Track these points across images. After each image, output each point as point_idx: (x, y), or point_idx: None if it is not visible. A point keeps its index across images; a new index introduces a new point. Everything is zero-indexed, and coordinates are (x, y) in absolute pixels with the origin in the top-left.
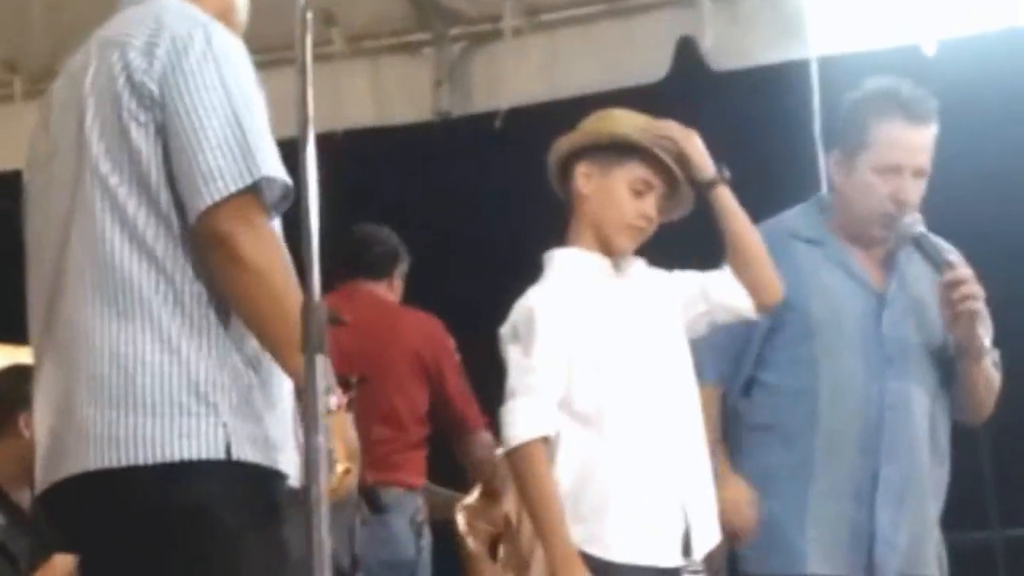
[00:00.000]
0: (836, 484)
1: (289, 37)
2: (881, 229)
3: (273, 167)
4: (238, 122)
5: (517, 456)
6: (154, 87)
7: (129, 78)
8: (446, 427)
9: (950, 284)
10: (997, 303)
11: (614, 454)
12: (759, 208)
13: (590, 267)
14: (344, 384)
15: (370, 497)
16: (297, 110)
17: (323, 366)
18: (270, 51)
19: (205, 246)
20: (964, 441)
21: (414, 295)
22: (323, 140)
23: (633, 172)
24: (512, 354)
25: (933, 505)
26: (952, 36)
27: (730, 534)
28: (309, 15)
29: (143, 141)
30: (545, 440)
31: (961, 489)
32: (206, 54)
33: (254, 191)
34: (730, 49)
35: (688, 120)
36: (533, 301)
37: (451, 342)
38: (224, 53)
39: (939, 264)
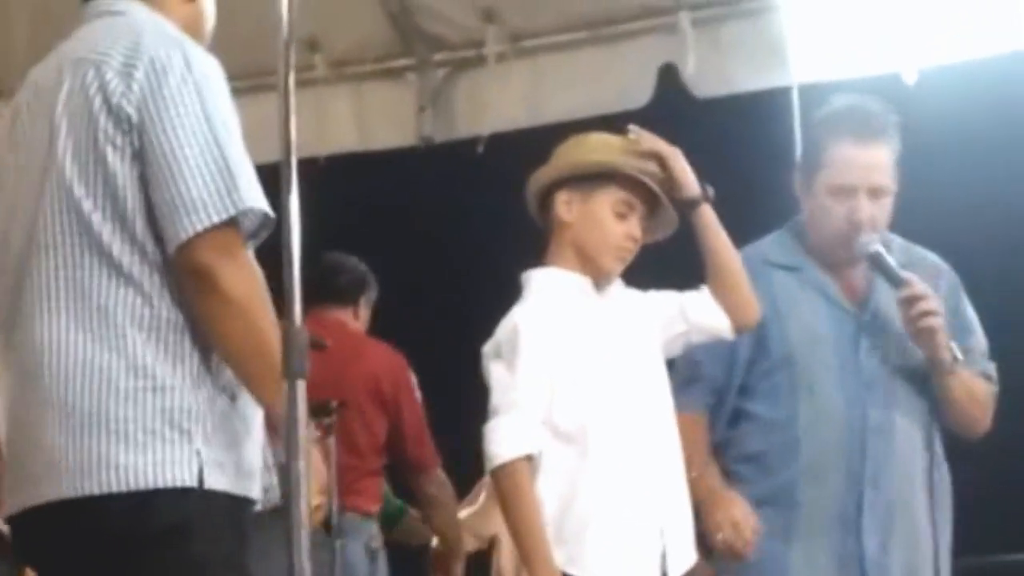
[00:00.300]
0: (821, 512)
1: (271, 62)
2: (841, 250)
3: (255, 198)
4: (220, 151)
5: (502, 474)
6: (132, 111)
7: (106, 100)
8: (399, 462)
9: (907, 301)
10: (987, 327)
11: (595, 474)
12: (740, 233)
13: (571, 287)
14: (324, 409)
15: (326, 523)
16: (280, 135)
17: (303, 392)
18: (252, 76)
19: (185, 276)
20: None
21: (395, 318)
22: (305, 165)
23: (615, 195)
24: (495, 372)
25: (930, 530)
26: (933, 64)
27: (727, 552)
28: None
29: (119, 165)
30: (529, 458)
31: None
32: (185, 78)
33: (235, 222)
34: (712, 76)
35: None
36: (517, 319)
37: (412, 378)
38: (203, 76)
39: (896, 282)
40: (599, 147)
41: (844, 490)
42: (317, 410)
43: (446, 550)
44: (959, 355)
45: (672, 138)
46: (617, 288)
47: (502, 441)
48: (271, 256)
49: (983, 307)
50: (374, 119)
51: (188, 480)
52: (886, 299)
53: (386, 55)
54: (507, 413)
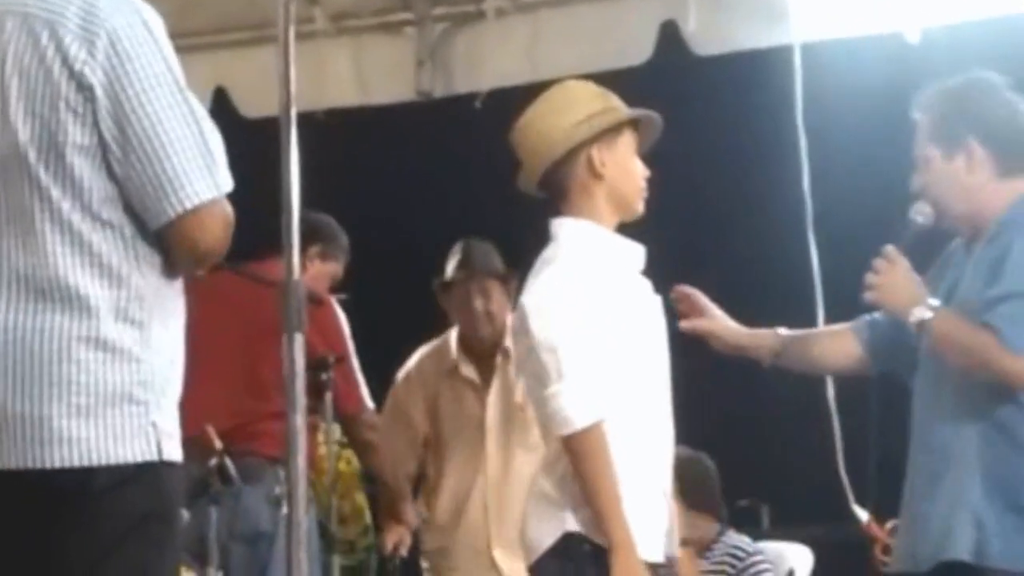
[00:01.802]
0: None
1: (270, 15)
2: None
3: (227, 179)
4: (198, 125)
5: (580, 440)
6: (95, 81)
7: (66, 65)
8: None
9: None
10: None
11: (633, 447)
12: (740, 193)
13: (612, 249)
14: (323, 364)
15: (221, 471)
16: (279, 89)
17: (302, 344)
18: (251, 28)
19: (172, 247)
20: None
21: (395, 275)
22: (304, 119)
23: (630, 140)
24: (548, 334)
25: (971, 485)
26: (936, 24)
27: None
28: None
29: (78, 134)
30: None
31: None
32: (150, 46)
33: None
34: (713, 34)
35: (670, 104)
36: (570, 280)
37: (336, 322)
38: (163, 40)
39: None
40: (596, 98)
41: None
42: (315, 365)
43: (390, 494)
44: (914, 319)
45: (672, 95)
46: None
47: (574, 406)
48: (270, 210)
49: None
50: (373, 73)
51: (147, 453)
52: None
53: (385, 9)
54: (573, 378)
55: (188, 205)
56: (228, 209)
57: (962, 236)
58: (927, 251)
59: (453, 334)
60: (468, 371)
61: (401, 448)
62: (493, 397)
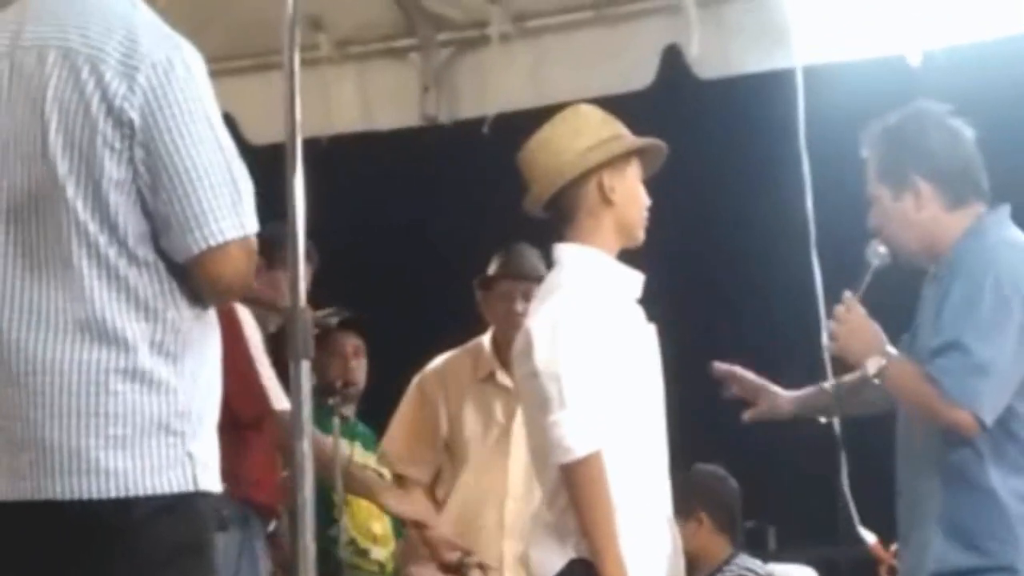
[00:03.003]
0: None
1: (275, 42)
2: None
3: (254, 220)
4: (228, 163)
5: (577, 470)
6: (135, 116)
7: (105, 100)
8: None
9: None
10: None
11: (631, 474)
12: (742, 214)
13: (624, 283)
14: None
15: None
16: (285, 116)
17: (308, 371)
18: (256, 56)
19: (198, 282)
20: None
21: (401, 299)
22: (309, 145)
23: (637, 170)
24: (550, 361)
25: (933, 538)
26: (937, 46)
27: None
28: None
29: (115, 169)
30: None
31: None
32: (188, 83)
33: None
34: (716, 57)
35: (674, 127)
36: (567, 309)
37: (240, 327)
38: (202, 78)
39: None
40: (607, 124)
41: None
42: (323, 390)
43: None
44: (869, 369)
45: (676, 119)
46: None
47: (574, 435)
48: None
49: None
50: (378, 99)
51: (184, 485)
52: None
53: (390, 35)
54: (575, 406)
55: (212, 242)
56: (253, 246)
57: (926, 268)
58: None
59: (486, 339)
60: (503, 377)
61: (423, 438)
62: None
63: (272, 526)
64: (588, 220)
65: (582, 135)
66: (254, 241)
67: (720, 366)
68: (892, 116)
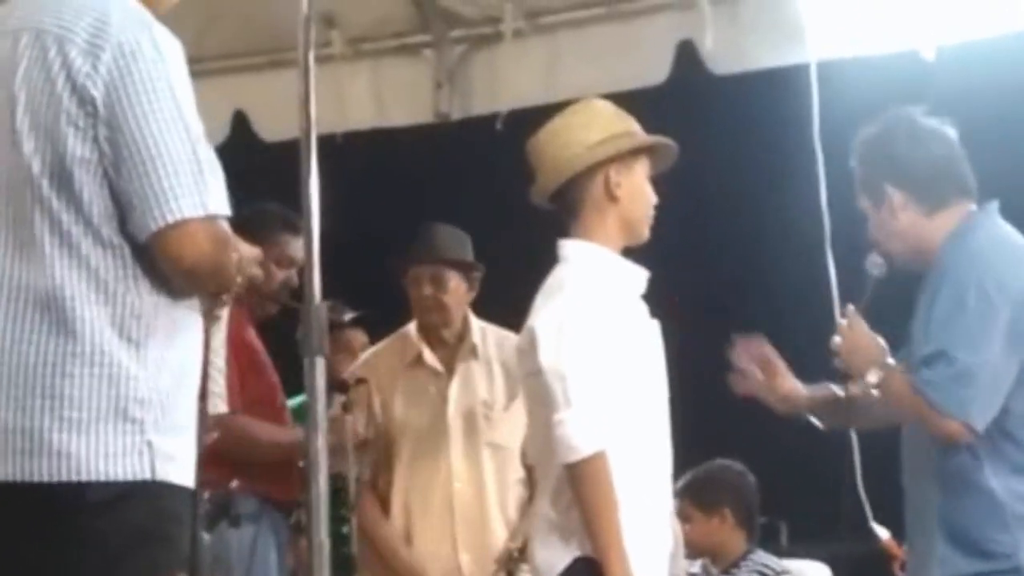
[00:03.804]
0: None
1: (288, 39)
2: None
3: (218, 203)
4: (192, 145)
5: (583, 469)
6: (97, 94)
7: (70, 79)
8: None
9: None
10: None
11: (634, 472)
12: (757, 211)
13: (617, 272)
14: (342, 386)
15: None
16: (300, 113)
17: (323, 368)
18: (269, 52)
19: (159, 261)
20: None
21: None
22: (323, 142)
23: (645, 166)
24: (554, 360)
25: (934, 545)
26: (952, 41)
27: None
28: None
29: (78, 148)
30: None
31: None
32: (156, 64)
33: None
34: (730, 53)
35: (688, 122)
36: (572, 307)
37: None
38: (172, 61)
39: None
40: (617, 120)
41: None
42: (335, 387)
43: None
44: (870, 381)
45: (689, 114)
46: None
47: (580, 435)
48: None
49: None
50: (391, 96)
51: (139, 472)
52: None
53: (403, 31)
54: (580, 405)
55: (170, 219)
56: (219, 229)
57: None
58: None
59: (412, 326)
60: (431, 359)
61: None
62: (455, 389)
63: (293, 518)
64: (592, 215)
65: (592, 129)
66: (221, 223)
67: (749, 345)
68: (869, 126)
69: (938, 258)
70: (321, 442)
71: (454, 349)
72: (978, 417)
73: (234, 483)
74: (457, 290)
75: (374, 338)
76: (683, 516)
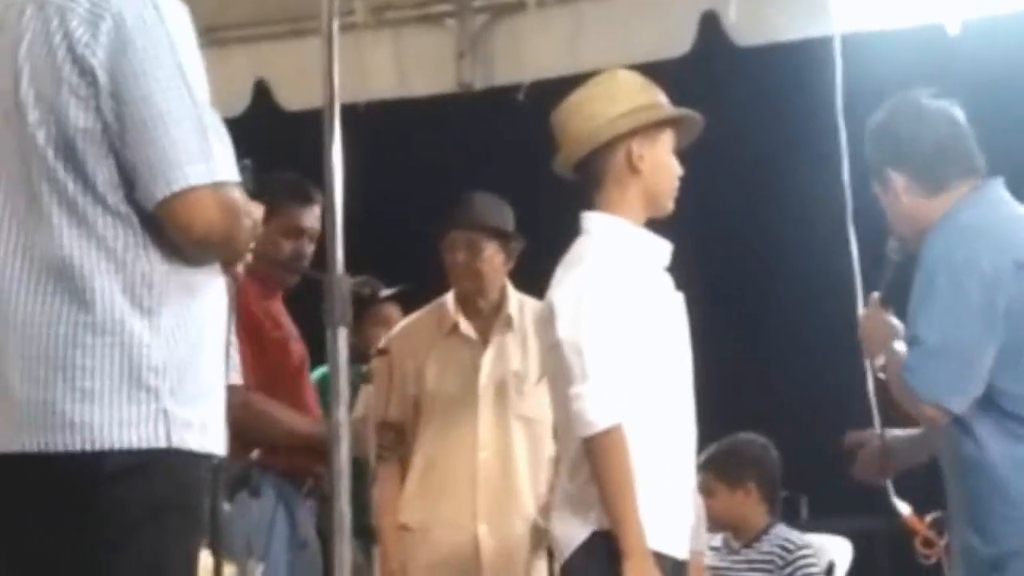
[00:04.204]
0: None
1: (309, 7)
2: None
3: (227, 169)
4: (197, 110)
5: (600, 442)
6: (96, 63)
7: (71, 49)
8: None
9: None
10: None
11: (656, 445)
12: (779, 184)
13: (641, 245)
14: (367, 357)
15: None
16: (323, 83)
17: (346, 339)
18: (292, 21)
19: (169, 229)
20: None
21: (436, 268)
22: (345, 111)
23: (670, 139)
24: (573, 333)
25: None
26: (976, 16)
27: None
28: None
29: (81, 118)
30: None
31: None
32: (157, 30)
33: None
34: (754, 25)
35: (711, 94)
36: (593, 279)
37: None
38: (175, 27)
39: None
40: (643, 91)
41: None
42: (356, 358)
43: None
44: (877, 365)
45: (712, 86)
46: None
47: (597, 409)
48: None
49: None
50: (414, 65)
51: (155, 440)
52: None
53: (425, 1)
54: (597, 379)
55: (176, 188)
56: (229, 196)
57: None
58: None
59: (449, 296)
60: (467, 328)
61: (388, 397)
62: (488, 359)
63: (306, 488)
64: (615, 187)
65: (617, 101)
66: (230, 190)
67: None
68: (877, 112)
69: (925, 245)
70: (343, 414)
71: (490, 319)
72: (950, 398)
73: (255, 453)
74: (493, 259)
75: (405, 311)
76: (706, 490)
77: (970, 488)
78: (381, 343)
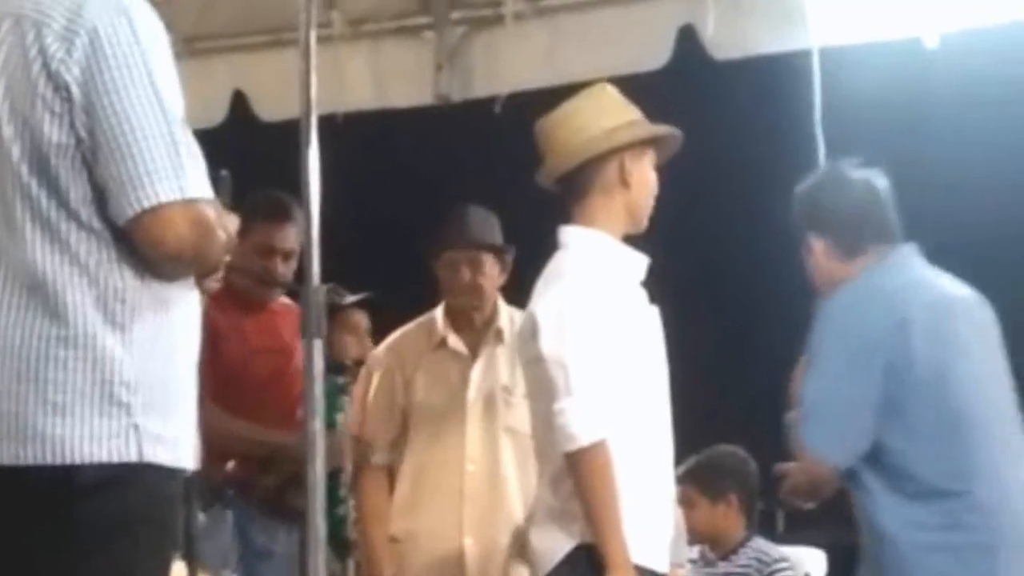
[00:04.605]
0: None
1: (288, 18)
2: None
3: (198, 186)
4: (169, 127)
5: (583, 458)
6: (71, 79)
7: (45, 65)
8: None
9: None
10: (1007, 291)
11: (636, 459)
12: (757, 198)
13: (619, 260)
14: (338, 368)
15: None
16: (300, 94)
17: (321, 350)
18: (270, 32)
19: (139, 247)
20: None
21: (414, 279)
22: (323, 122)
23: (652, 157)
24: (556, 348)
25: None
26: (954, 29)
27: None
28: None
29: (55, 133)
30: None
31: None
32: (132, 48)
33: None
34: (731, 38)
35: (688, 108)
36: (582, 295)
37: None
38: (150, 44)
39: None
40: (629, 108)
41: None
42: (331, 368)
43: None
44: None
45: (690, 99)
46: None
47: (580, 424)
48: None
49: (1004, 269)
50: (391, 77)
51: (126, 454)
52: None
53: (404, 13)
54: (581, 394)
55: (146, 204)
56: (200, 212)
57: None
58: None
59: (439, 310)
60: (456, 343)
61: (381, 411)
62: (477, 372)
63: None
64: (600, 199)
65: (606, 114)
66: (201, 207)
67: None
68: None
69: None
70: (319, 425)
71: (480, 333)
72: (830, 451)
73: (230, 465)
74: (492, 273)
75: (374, 319)
76: (687, 502)
77: (875, 552)
78: (369, 360)
